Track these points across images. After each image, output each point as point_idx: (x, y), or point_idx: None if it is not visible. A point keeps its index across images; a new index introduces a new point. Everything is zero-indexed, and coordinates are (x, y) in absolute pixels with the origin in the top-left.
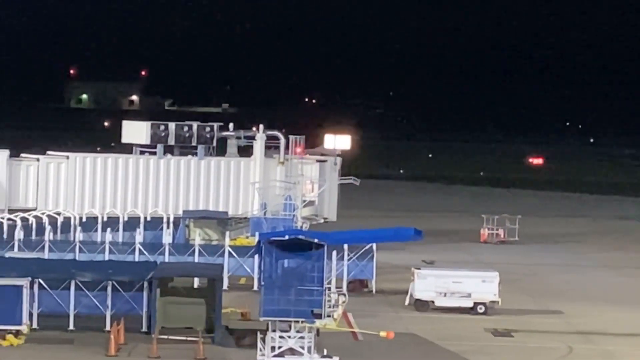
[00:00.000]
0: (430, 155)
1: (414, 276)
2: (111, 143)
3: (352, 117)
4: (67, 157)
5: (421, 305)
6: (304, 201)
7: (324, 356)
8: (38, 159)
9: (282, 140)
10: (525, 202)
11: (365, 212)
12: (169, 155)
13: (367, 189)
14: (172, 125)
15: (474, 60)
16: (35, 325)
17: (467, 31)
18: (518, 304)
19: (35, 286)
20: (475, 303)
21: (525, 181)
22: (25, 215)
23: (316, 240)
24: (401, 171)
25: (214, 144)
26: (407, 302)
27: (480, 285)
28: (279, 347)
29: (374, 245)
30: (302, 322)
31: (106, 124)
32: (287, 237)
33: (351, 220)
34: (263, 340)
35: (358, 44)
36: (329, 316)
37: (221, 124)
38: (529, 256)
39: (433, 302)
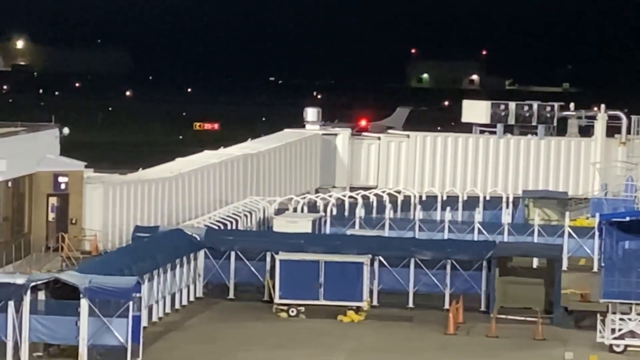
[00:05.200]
0: None
1: None
2: (451, 122)
3: None
4: (408, 136)
5: None
6: None
7: None
8: (379, 138)
9: (624, 120)
10: None
11: None
12: (508, 135)
13: None
14: (512, 105)
15: None
16: (375, 302)
17: None
18: None
19: (376, 263)
20: None
21: None
22: (366, 193)
23: None
24: None
25: (555, 123)
26: None
27: None
28: (619, 330)
29: None
30: None
31: (446, 103)
32: (628, 219)
33: None
34: (603, 322)
35: None
36: None
37: (562, 103)
38: None
39: None
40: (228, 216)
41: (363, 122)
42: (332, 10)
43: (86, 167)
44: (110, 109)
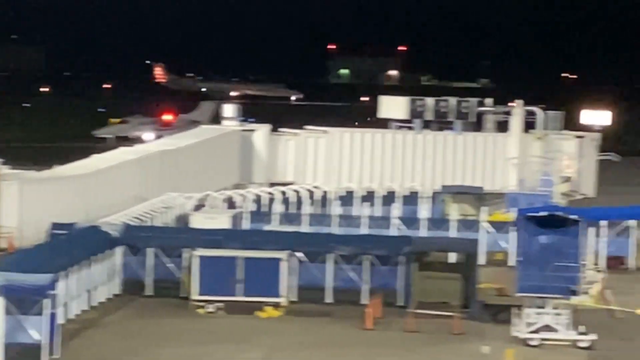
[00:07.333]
0: None
1: None
2: (368, 118)
3: (614, 92)
4: (326, 132)
5: None
6: (562, 177)
7: (580, 333)
8: (297, 134)
9: (540, 116)
10: None
11: (624, 188)
12: (426, 130)
13: (626, 165)
14: (429, 100)
15: None
16: (293, 298)
17: None
18: None
19: (294, 259)
20: None
21: None
22: (285, 188)
23: (573, 217)
24: None
25: (472, 119)
26: None
27: None
28: (535, 324)
29: (632, 222)
30: (559, 298)
31: (365, 99)
32: (544, 213)
33: (610, 197)
34: (519, 316)
35: (620, 19)
36: (585, 293)
37: (479, 99)
38: None
39: None
40: (146, 213)
41: (168, 117)
42: (249, 6)
43: (2, 164)
44: (26, 105)
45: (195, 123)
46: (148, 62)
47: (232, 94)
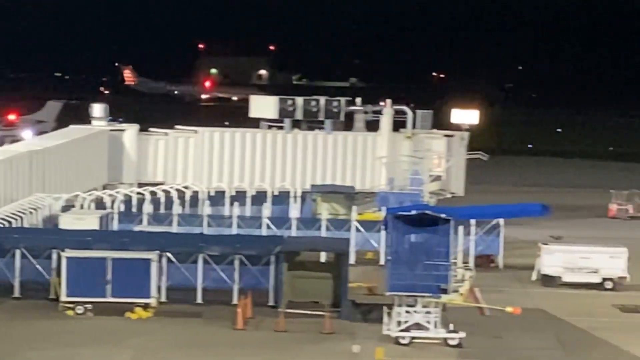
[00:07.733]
0: (559, 130)
1: (541, 251)
2: (239, 117)
3: (481, 92)
4: (196, 132)
5: (548, 280)
6: (431, 176)
7: (450, 331)
8: (167, 134)
9: (410, 115)
10: None
11: (492, 187)
12: (296, 130)
13: (494, 164)
14: (299, 100)
15: (605, 33)
16: (163, 299)
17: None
18: None
19: (164, 260)
20: (603, 279)
21: None
22: (154, 189)
23: (443, 215)
24: (529, 146)
25: (341, 118)
26: (534, 278)
27: (608, 261)
28: (405, 322)
29: (501, 220)
30: (429, 297)
31: (234, 98)
32: (413, 212)
33: (479, 196)
34: (389, 315)
35: (490, 19)
36: (455, 291)
37: (348, 98)
38: None
39: (560, 277)
40: (13, 214)
41: (11, 116)
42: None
43: None
44: None
45: (40, 123)
46: (117, 64)
47: (203, 96)
